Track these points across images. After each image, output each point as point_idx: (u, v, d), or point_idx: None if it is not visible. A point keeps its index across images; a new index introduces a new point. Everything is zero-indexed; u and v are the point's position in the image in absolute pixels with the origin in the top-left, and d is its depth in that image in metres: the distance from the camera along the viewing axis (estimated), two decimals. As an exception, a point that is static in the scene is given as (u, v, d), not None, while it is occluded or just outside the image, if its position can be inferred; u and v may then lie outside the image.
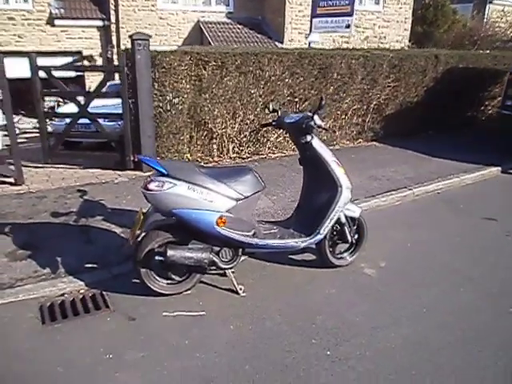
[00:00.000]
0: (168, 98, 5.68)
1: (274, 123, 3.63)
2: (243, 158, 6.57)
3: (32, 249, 3.84)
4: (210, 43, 13.27)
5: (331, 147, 7.20)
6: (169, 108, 5.73)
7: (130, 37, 5.27)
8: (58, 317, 3.10)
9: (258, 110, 6.46)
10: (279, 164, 6.40)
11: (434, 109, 8.20)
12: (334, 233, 3.58)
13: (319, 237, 3.38)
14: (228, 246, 3.19)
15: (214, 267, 3.21)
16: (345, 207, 3.49)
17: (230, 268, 3.26)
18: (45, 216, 4.43)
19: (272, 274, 3.63)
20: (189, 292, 3.32)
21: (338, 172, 3.32)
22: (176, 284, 3.26)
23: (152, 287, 3.18)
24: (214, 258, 3.13)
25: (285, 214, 4.60)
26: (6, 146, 5.23)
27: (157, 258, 3.04)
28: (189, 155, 6.20)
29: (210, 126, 6.16)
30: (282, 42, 14.17)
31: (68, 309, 3.19)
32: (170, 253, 2.97)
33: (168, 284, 3.24)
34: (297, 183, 5.25)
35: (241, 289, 3.33)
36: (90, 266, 3.65)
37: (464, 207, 5.18)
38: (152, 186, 2.93)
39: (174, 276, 3.24)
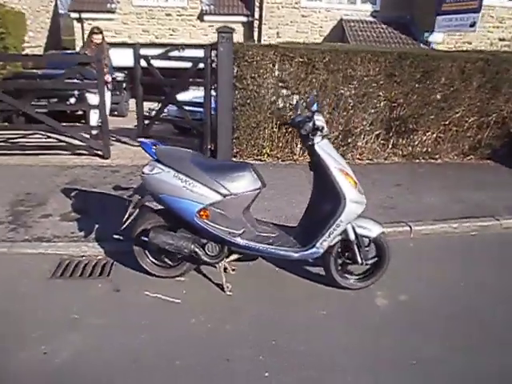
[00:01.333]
0: (249, 91, 5.73)
1: (290, 122, 3.38)
2: (323, 161, 6.25)
3: (82, 213, 4.30)
4: (349, 42, 12.92)
5: (432, 160, 6.49)
6: (249, 102, 5.77)
7: (216, 29, 5.45)
8: (65, 274, 3.45)
9: (351, 111, 6.07)
10: (359, 172, 5.83)
11: None
12: (343, 250, 3.19)
13: (314, 251, 3.05)
14: (214, 241, 3.11)
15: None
16: (356, 224, 3.08)
17: (214, 263, 3.19)
18: (107, 188, 4.91)
19: (273, 280, 3.42)
20: (182, 279, 3.34)
21: (343, 182, 2.93)
22: (167, 268, 3.31)
23: (143, 265, 3.29)
24: (197, 250, 3.08)
25: None
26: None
27: (142, 237, 3.13)
28: (268, 150, 6.18)
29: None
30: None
31: (78, 269, 3.52)
32: (151, 235, 3.04)
33: (158, 266, 3.31)
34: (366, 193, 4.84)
35: (228, 287, 3.21)
36: (116, 237, 3.92)
37: None
38: (145, 169, 3.04)
39: (166, 260, 3.30)
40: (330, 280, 3.29)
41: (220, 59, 5.49)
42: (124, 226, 3.24)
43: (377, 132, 6.27)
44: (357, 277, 3.30)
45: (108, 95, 6.49)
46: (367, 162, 6.36)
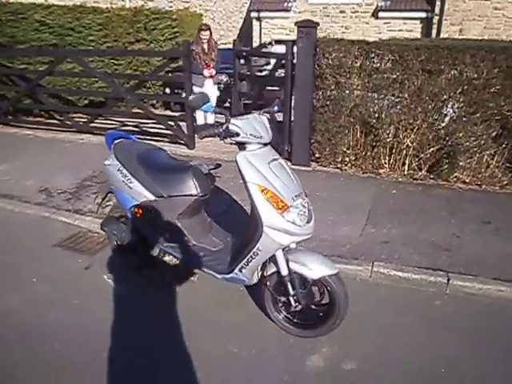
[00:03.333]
0: (329, 92, 5.20)
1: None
2: (415, 179, 5.24)
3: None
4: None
5: None
6: (328, 103, 5.24)
7: (295, 24, 5.09)
8: (68, 245, 3.81)
9: (454, 123, 4.92)
10: (446, 198, 4.73)
11: None
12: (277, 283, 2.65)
13: (235, 276, 2.62)
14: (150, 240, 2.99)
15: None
16: (293, 257, 2.52)
17: (150, 262, 3.08)
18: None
19: (226, 301, 3.08)
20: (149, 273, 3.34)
21: (260, 203, 2.38)
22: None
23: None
24: (136, 245, 3.03)
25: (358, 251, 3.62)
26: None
27: (101, 221, 3.24)
28: (352, 158, 5.52)
29: (379, 131, 5.23)
30: None
31: (82, 242, 3.85)
32: (102, 221, 3.15)
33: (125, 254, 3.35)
34: (424, 225, 4.09)
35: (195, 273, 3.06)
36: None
37: None
38: (106, 159, 3.13)
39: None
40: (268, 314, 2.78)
41: (299, 56, 5.13)
42: (97, 211, 3.41)
43: (492, 151, 4.90)
44: (299, 321, 2.70)
45: (213, 89, 6.79)
46: (472, 187, 5.03)
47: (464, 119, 4.82)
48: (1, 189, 4.74)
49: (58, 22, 7.58)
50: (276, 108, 3.02)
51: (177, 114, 8.48)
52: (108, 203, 3.39)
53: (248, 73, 6.47)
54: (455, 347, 2.66)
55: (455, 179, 5.16)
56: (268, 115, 2.78)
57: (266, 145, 2.57)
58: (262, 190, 2.40)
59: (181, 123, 6.40)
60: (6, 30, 6.99)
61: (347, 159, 5.54)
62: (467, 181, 5.14)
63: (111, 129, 7.07)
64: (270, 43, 5.98)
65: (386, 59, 4.87)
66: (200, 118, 6.76)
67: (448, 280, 3.26)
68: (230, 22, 17.17)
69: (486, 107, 4.74)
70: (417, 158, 5.25)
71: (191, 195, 2.79)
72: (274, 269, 2.60)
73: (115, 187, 3.02)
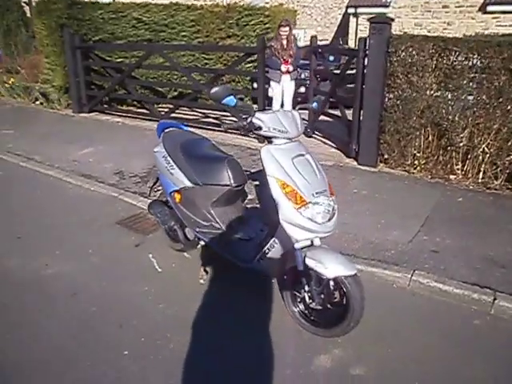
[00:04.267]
0: (401, 91, 4.99)
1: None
2: (489, 188, 4.82)
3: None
4: None
5: None
6: (399, 103, 5.03)
7: (368, 20, 4.95)
8: (127, 224, 4.16)
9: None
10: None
11: None
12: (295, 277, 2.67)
13: (254, 266, 2.70)
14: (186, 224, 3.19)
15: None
16: (310, 254, 2.52)
17: (188, 248, 3.25)
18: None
19: (254, 289, 3.17)
20: (187, 256, 3.55)
21: (279, 197, 2.40)
22: (174, 241, 3.55)
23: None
24: (176, 229, 3.24)
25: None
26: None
27: (152, 207, 3.49)
28: (422, 163, 5.25)
29: (452, 134, 4.90)
30: None
31: (139, 223, 4.18)
32: (149, 204, 3.43)
33: (170, 237, 3.58)
34: (485, 238, 3.82)
35: (202, 276, 3.23)
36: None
37: None
38: (155, 147, 3.38)
39: (168, 231, 3.53)
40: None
41: (370, 53, 4.99)
42: (150, 194, 3.70)
43: None
44: (315, 318, 2.70)
45: (290, 85, 6.84)
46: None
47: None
48: (83, 170, 5.33)
49: (153, 19, 8.19)
50: (315, 104, 3.03)
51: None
52: (160, 187, 3.66)
53: (322, 68, 6.42)
54: (479, 372, 2.46)
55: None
56: (305, 111, 2.79)
57: (293, 139, 2.59)
58: (282, 185, 2.43)
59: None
60: (107, 27, 7.75)
61: (416, 162, 5.27)
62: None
63: (192, 120, 7.52)
64: (343, 41, 5.81)
65: (463, 57, 4.53)
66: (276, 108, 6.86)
67: (494, 299, 3.00)
68: (328, 18, 16.99)
69: None
70: (494, 165, 4.82)
71: (225, 185, 2.91)
72: (292, 263, 2.63)
73: (161, 173, 3.26)
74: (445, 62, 4.66)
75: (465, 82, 4.62)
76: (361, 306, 2.46)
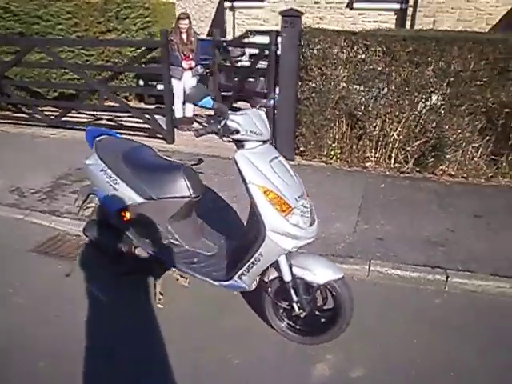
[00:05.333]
0: (315, 84, 5.05)
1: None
2: (402, 172, 5.19)
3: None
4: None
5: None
6: (314, 95, 5.10)
7: (280, 13, 4.91)
8: (45, 250, 3.53)
9: (442, 116, 4.87)
10: (435, 191, 4.69)
11: None
12: (279, 289, 2.49)
13: (232, 283, 2.45)
14: (140, 246, 2.78)
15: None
16: (296, 262, 2.37)
17: (139, 269, 2.87)
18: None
19: (218, 306, 2.90)
20: (131, 278, 3.12)
21: (263, 205, 2.22)
22: (116, 264, 3.11)
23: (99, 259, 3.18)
24: (124, 251, 2.83)
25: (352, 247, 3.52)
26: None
27: (86, 228, 2.99)
28: (338, 153, 5.41)
29: (365, 124, 5.13)
30: None
31: (60, 246, 3.58)
32: (84, 226, 2.93)
33: (109, 260, 3.13)
34: (417, 220, 4.02)
35: (160, 299, 2.86)
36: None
37: None
38: (87, 158, 2.88)
39: (112, 254, 3.10)
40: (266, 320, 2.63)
41: (283, 46, 4.96)
42: (78, 213, 3.16)
43: (479, 144, 4.88)
44: (302, 328, 2.56)
45: (192, 82, 6.53)
46: (459, 180, 5.01)
47: (452, 112, 4.77)
48: (-34, 191, 4.40)
49: (23, 10, 7.11)
50: (272, 102, 2.86)
51: (151, 106, 8.19)
52: (89, 205, 3.14)
53: (228, 64, 6.24)
54: (460, 348, 2.59)
55: (441, 172, 5.14)
56: (264, 109, 2.61)
57: (265, 142, 2.40)
58: (265, 192, 2.23)
59: (156, 116, 6.14)
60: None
61: (332, 153, 5.43)
62: (453, 173, 5.12)
63: (84, 123, 6.75)
64: (252, 33, 5.73)
65: (372, 50, 4.76)
66: (178, 111, 6.51)
67: (447, 277, 3.19)
68: (203, 12, 16.76)
69: (472, 100, 4.70)
70: (403, 150, 5.20)
71: (183, 197, 2.59)
72: (275, 274, 2.45)
73: (98, 189, 2.79)
74: (355, 54, 4.84)
75: (374, 73, 4.85)
76: (351, 308, 2.40)
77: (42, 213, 4.04)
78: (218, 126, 2.22)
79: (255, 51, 5.45)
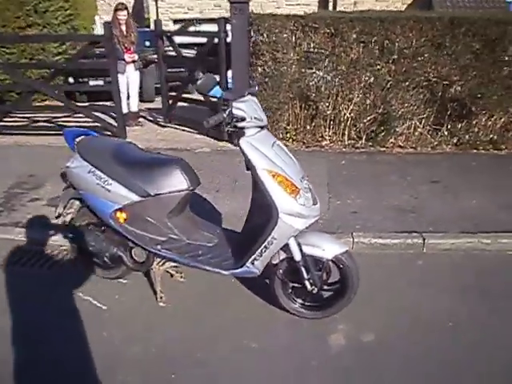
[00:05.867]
0: (267, 68, 5.11)
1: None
2: (357, 148, 5.45)
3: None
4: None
5: (496, 151, 5.26)
6: (267, 80, 5.16)
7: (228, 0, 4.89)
8: (16, 262, 3.30)
9: (389, 91, 5.15)
10: (391, 163, 5.02)
11: None
12: (290, 271, 2.56)
13: (245, 270, 2.47)
14: (139, 246, 2.70)
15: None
16: (304, 241, 2.44)
17: (141, 270, 2.79)
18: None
19: (220, 294, 2.91)
20: (124, 281, 3.02)
21: (274, 189, 2.27)
22: (106, 269, 2.99)
23: (85, 265, 3.02)
24: (121, 254, 2.72)
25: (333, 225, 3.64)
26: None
27: (70, 235, 2.84)
28: (293, 135, 5.54)
29: (318, 104, 5.29)
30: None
31: (32, 258, 3.35)
32: (74, 233, 2.78)
33: (99, 266, 3.00)
34: (383, 191, 4.24)
35: (161, 298, 2.80)
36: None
37: None
38: (68, 161, 2.72)
39: (105, 260, 2.98)
40: (278, 303, 2.69)
41: (233, 33, 4.94)
42: (59, 221, 2.98)
43: (423, 116, 5.25)
44: (312, 303, 2.66)
45: (136, 75, 6.31)
46: (409, 151, 5.38)
47: (398, 87, 5.07)
48: None
49: None
50: (257, 88, 2.89)
51: (84, 104, 7.74)
52: (69, 211, 2.97)
53: (173, 54, 6.10)
54: (452, 299, 2.84)
55: (392, 144, 5.47)
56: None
57: (262, 128, 2.43)
58: (274, 175, 2.28)
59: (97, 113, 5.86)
60: None
61: (288, 135, 5.56)
62: (402, 145, 5.48)
63: (19, 127, 6.28)
64: (197, 22, 5.62)
65: (321, 32, 4.91)
66: (124, 106, 6.26)
67: (424, 240, 3.45)
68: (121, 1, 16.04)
69: (416, 75, 5.04)
70: (355, 127, 5.44)
71: (181, 190, 2.55)
72: (282, 255, 2.51)
73: (86, 192, 2.64)
74: (305, 37, 4.96)
75: (324, 55, 5.01)
76: (358, 278, 2.53)
77: (3, 226, 3.75)
78: (224, 115, 2.22)
79: (202, 40, 5.35)
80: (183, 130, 6.27)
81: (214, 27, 5.30)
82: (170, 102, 6.19)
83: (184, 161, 2.66)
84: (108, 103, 6.62)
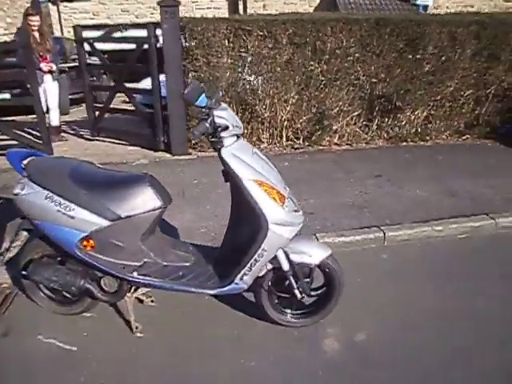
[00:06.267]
0: (202, 73, 4.96)
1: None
2: (296, 148, 5.51)
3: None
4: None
5: (422, 142, 5.67)
6: (202, 86, 4.99)
7: (158, 3, 4.66)
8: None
9: (323, 91, 5.27)
10: (333, 160, 5.16)
11: None
12: (277, 281, 2.48)
13: (234, 287, 2.35)
14: (111, 275, 2.43)
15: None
16: (291, 249, 2.37)
17: (113, 301, 2.52)
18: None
19: (199, 315, 2.73)
20: (88, 315, 2.69)
21: (262, 199, 2.18)
22: (67, 304, 2.66)
23: (39, 303, 2.65)
24: (89, 286, 2.43)
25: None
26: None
27: (22, 272, 2.47)
28: (232, 140, 5.43)
29: (256, 108, 5.25)
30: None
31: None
32: (30, 269, 2.41)
33: (56, 301, 2.66)
34: (332, 189, 4.28)
35: (137, 327, 2.56)
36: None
37: None
38: (15, 187, 2.35)
39: (65, 294, 2.65)
40: (266, 316, 2.60)
41: (165, 38, 4.72)
42: (5, 256, 2.59)
43: (356, 113, 5.47)
44: (300, 311, 2.60)
45: (55, 86, 5.79)
46: (345, 147, 5.57)
47: (331, 86, 5.22)
48: None
49: None
50: (220, 93, 2.75)
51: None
52: (14, 244, 2.60)
53: (98, 63, 5.69)
54: (425, 288, 2.96)
55: (328, 143, 5.62)
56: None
57: (238, 137, 2.32)
58: (260, 185, 2.18)
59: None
60: None
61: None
62: (338, 142, 5.66)
63: None
64: (124, 27, 5.26)
65: (254, 35, 4.88)
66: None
67: (384, 233, 3.57)
68: (16, 7, 14.69)
69: (347, 74, 5.22)
70: (292, 128, 5.50)
71: (155, 209, 2.34)
72: (269, 266, 2.42)
73: (44, 221, 2.31)
74: (238, 40, 4.90)
75: (259, 58, 4.99)
76: (343, 280, 2.52)
77: None
78: (207, 125, 2.07)
79: (131, 46, 5.04)
80: (113, 143, 5.87)
81: (141, 32, 5.00)
82: (97, 113, 5.75)
83: (152, 176, 2.45)
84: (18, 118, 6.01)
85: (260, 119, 5.36)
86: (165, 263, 2.45)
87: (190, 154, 5.35)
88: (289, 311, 2.57)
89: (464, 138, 5.90)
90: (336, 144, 5.62)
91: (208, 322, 2.67)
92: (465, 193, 4.28)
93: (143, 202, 2.31)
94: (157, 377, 2.26)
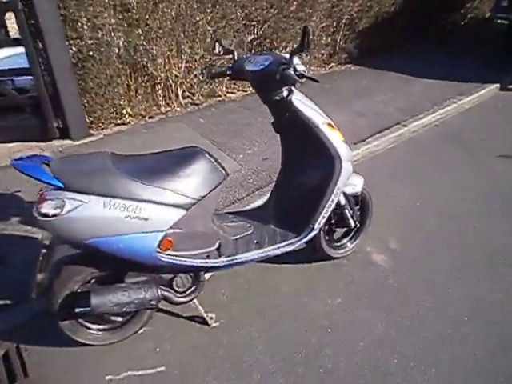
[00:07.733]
0: (88, 39, 4.28)
1: (229, 72, 2.46)
2: (196, 104, 5.34)
3: None
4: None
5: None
6: (91, 53, 4.35)
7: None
8: None
9: (208, 41, 5.11)
10: (242, 107, 5.22)
11: (413, 19, 7.08)
12: (331, 218, 2.60)
13: (313, 233, 2.40)
14: (183, 271, 2.18)
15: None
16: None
17: (189, 300, 2.27)
18: None
19: (250, 283, 2.68)
20: (140, 331, 2.34)
21: (334, 139, 2.26)
22: (118, 328, 2.27)
23: (83, 341, 2.18)
24: (166, 293, 2.15)
25: (258, 180, 3.63)
26: None
27: (78, 310, 1.99)
28: (129, 109, 4.93)
29: (149, 69, 4.83)
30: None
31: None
32: (94, 303, 1.94)
33: (106, 330, 2.25)
34: (267, 133, 4.23)
35: (211, 318, 2.39)
36: (-1, 302, 2.59)
37: (470, 141, 4.30)
38: (46, 208, 1.80)
39: (113, 318, 2.25)
40: (317, 255, 2.73)
41: (37, 1, 3.87)
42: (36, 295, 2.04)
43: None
44: (346, 239, 2.83)
45: None
46: (242, 94, 5.66)
47: (218, 35, 5.13)
48: None
49: None
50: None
51: None
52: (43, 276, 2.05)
53: None
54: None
55: (225, 92, 5.62)
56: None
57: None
58: (330, 127, 2.28)
59: None
60: None
61: (124, 111, 4.95)
62: (232, 91, 5.70)
63: None
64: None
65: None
66: None
67: (406, 126, 4.47)
68: None
69: (233, 20, 5.19)
70: (186, 85, 5.28)
71: (220, 182, 2.14)
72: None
73: (103, 236, 1.85)
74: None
75: (143, 14, 4.54)
76: (372, 205, 2.80)
77: None
78: (290, 70, 2.00)
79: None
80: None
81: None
82: None
83: (198, 147, 2.20)
84: None
85: (155, 83, 4.98)
86: (232, 238, 2.32)
87: (93, 135, 4.70)
88: (345, 241, 2.76)
89: (330, 66, 6.58)
90: (230, 92, 5.65)
91: (275, 288, 2.65)
92: (368, 111, 4.92)
93: (210, 177, 2.09)
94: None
